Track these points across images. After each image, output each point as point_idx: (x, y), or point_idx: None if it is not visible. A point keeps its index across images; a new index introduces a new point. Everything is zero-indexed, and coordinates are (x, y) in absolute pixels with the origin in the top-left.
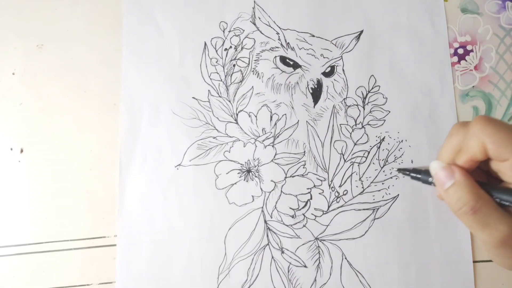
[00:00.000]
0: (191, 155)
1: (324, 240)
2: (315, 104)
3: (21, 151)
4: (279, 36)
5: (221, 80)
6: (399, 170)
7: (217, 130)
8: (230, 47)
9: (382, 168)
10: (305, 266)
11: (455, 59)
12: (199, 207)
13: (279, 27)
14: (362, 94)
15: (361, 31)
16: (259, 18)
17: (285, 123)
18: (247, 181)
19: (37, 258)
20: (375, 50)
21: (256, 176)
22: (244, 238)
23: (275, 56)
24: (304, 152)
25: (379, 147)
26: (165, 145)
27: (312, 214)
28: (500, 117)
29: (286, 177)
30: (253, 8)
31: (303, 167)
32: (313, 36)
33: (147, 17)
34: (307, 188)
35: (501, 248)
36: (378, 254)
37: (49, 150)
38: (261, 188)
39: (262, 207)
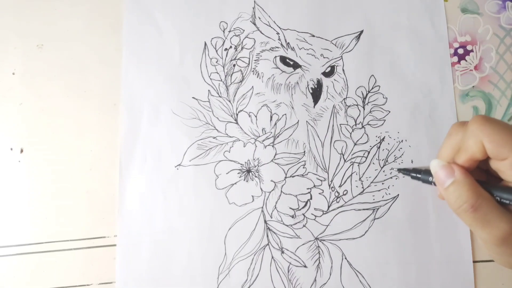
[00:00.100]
0: (191, 155)
1: (324, 240)
2: (315, 104)
3: (21, 151)
4: (279, 36)
5: (221, 80)
6: (399, 170)
7: (217, 130)
8: (230, 47)
9: (382, 168)
10: (305, 266)
11: (455, 59)
12: (199, 207)
13: (279, 27)
14: (362, 94)
15: (361, 31)
16: (259, 18)
17: (285, 123)
18: (247, 181)
19: (37, 258)
20: (375, 50)
21: (256, 176)
22: (244, 238)
23: (275, 56)
24: (304, 152)
25: (379, 147)
26: (165, 145)
27: (312, 214)
28: (500, 117)
29: (286, 177)
30: (253, 8)
31: (303, 167)
32: (313, 36)
33: (147, 17)
34: (307, 188)
35: (501, 246)
36: (378, 254)
37: (49, 150)
38: (261, 188)
39: (262, 207)
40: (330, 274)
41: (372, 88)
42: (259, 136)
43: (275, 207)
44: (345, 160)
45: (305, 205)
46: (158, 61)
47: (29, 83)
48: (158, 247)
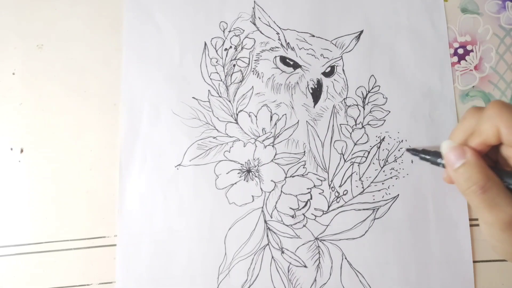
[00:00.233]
0: (191, 155)
1: (324, 240)
2: (315, 104)
3: (21, 151)
4: (279, 36)
5: (221, 80)
6: (408, 150)
7: (217, 130)
8: (230, 47)
9: (382, 168)
10: (305, 266)
11: (455, 59)
12: (199, 207)
13: (279, 27)
14: (362, 94)
15: (361, 31)
16: (259, 18)
17: (285, 123)
18: (247, 181)
19: (37, 258)
20: (375, 50)
21: (256, 176)
22: (244, 238)
23: (275, 56)
24: (304, 152)
25: (379, 147)
26: (165, 145)
27: (312, 214)
28: None
29: (286, 177)
30: (253, 8)
31: (303, 167)
32: (313, 36)
33: (147, 17)
34: (307, 188)
35: (505, 232)
36: (378, 254)
37: (49, 150)
38: (261, 188)
39: (262, 207)
40: (330, 274)
41: (372, 88)
42: (259, 136)
43: (275, 207)
44: (345, 160)
45: (305, 205)
46: (158, 61)
47: (29, 83)
48: (158, 247)
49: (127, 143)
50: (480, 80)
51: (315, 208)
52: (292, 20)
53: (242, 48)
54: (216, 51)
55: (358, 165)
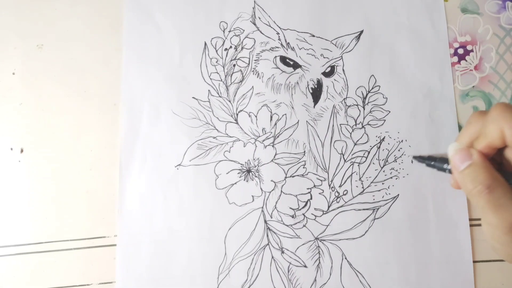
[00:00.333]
0: (191, 155)
1: (324, 240)
2: (315, 104)
3: (21, 151)
4: (279, 36)
5: (221, 80)
6: (415, 157)
7: (217, 130)
8: (230, 47)
9: (382, 168)
10: (305, 266)
11: (455, 59)
12: (199, 207)
13: (279, 27)
14: (362, 94)
15: (361, 31)
16: (259, 18)
17: (285, 123)
18: (247, 181)
19: (37, 258)
20: (375, 50)
21: (256, 176)
22: (244, 238)
23: (275, 56)
24: (304, 152)
25: (379, 147)
26: (165, 145)
27: (312, 214)
28: None
29: (286, 177)
30: (253, 8)
31: (303, 167)
32: (313, 36)
33: (147, 17)
34: (307, 188)
35: (509, 234)
36: (378, 254)
37: (49, 150)
38: (261, 188)
39: (262, 207)
40: (330, 274)
41: (372, 88)
42: (259, 136)
43: (275, 207)
44: (345, 160)
45: (305, 205)
46: (158, 61)
47: (29, 83)
48: (158, 247)
49: (127, 143)
50: (480, 80)
51: (315, 208)
52: (292, 20)
53: (242, 48)
54: (216, 51)
55: (358, 165)
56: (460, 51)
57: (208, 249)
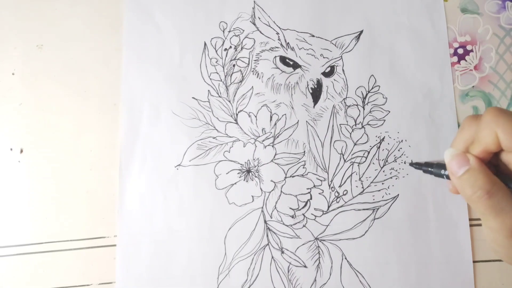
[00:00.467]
0: (191, 155)
1: (324, 240)
2: (315, 104)
3: (21, 151)
4: (279, 36)
5: (221, 80)
6: (411, 164)
7: (217, 130)
8: (230, 47)
9: (382, 168)
10: (305, 266)
11: (455, 59)
12: (199, 207)
13: (279, 27)
14: (362, 94)
15: (361, 31)
16: (259, 18)
17: (285, 123)
18: (247, 181)
19: (37, 258)
20: (375, 50)
21: (256, 176)
22: (244, 238)
23: (275, 56)
24: (304, 152)
25: (379, 147)
26: (165, 145)
27: (312, 214)
28: None
29: (286, 177)
30: (253, 8)
31: (303, 167)
32: (313, 36)
33: (147, 17)
34: (307, 188)
35: (510, 238)
36: (378, 254)
37: (49, 150)
38: (261, 188)
39: (262, 207)
40: (330, 274)
41: (372, 88)
42: (259, 136)
43: (275, 207)
44: (345, 160)
45: (305, 205)
46: (158, 61)
47: (29, 83)
48: (158, 247)
49: (127, 143)
50: (480, 80)
51: (315, 208)
52: (292, 20)
53: (242, 48)
54: (216, 51)
55: (358, 165)
56: (460, 51)
57: (208, 249)
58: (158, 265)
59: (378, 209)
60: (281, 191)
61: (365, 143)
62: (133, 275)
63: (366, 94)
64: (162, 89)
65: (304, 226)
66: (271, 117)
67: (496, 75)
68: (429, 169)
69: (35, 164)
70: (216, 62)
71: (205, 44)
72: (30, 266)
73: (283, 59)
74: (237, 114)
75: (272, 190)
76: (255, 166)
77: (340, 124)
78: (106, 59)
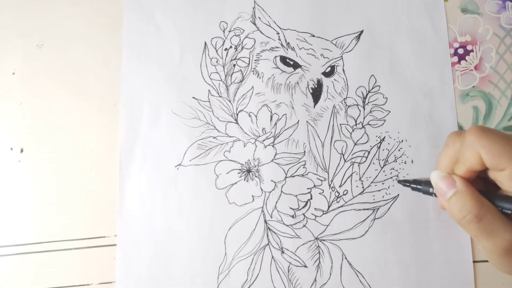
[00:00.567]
0: (191, 155)
1: (324, 240)
2: (315, 104)
3: (21, 151)
4: (279, 36)
5: (221, 80)
6: (399, 181)
7: (217, 130)
8: (230, 47)
9: (382, 168)
10: (305, 266)
11: (455, 59)
12: (199, 207)
13: (279, 27)
14: (362, 94)
15: (361, 31)
16: (259, 18)
17: (285, 123)
18: (247, 181)
19: (37, 258)
20: (375, 50)
21: (256, 176)
22: (244, 238)
23: (275, 56)
24: (304, 152)
25: (379, 147)
26: (165, 145)
27: (312, 214)
28: (500, 117)
29: (286, 177)
30: (253, 8)
31: (303, 167)
32: (313, 36)
33: (147, 17)
34: (307, 188)
35: (504, 256)
36: (378, 254)
37: (49, 150)
38: (261, 188)
39: (262, 207)
40: (330, 274)
41: (372, 88)
42: (259, 136)
43: (275, 207)
44: (345, 160)
45: (305, 205)
46: (158, 61)
47: (29, 83)
48: (158, 247)
49: (127, 143)
50: (480, 80)
51: (315, 208)
52: (292, 20)
53: (242, 48)
54: (216, 51)
55: (358, 165)
56: (460, 51)
57: (208, 249)
58: (158, 265)
59: (378, 209)
60: (281, 191)
61: (366, 143)
62: (133, 275)
63: (367, 94)
64: (162, 89)
65: (304, 226)
66: (271, 117)
67: (497, 75)
68: (417, 186)
69: (35, 164)
70: (216, 62)
71: (205, 44)
72: (30, 266)
73: (284, 59)
74: (237, 114)
75: (272, 190)
76: (255, 166)
77: (340, 124)
78: (106, 59)
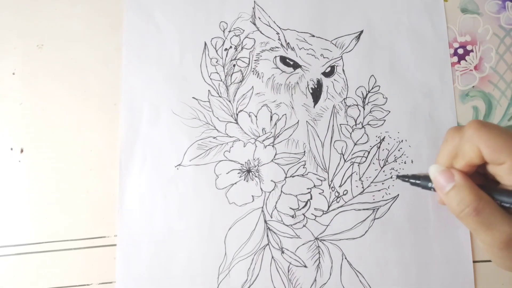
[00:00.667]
0: (191, 155)
1: (324, 240)
2: (315, 104)
3: (21, 151)
4: (279, 36)
5: (221, 80)
6: (398, 177)
7: (217, 130)
8: (230, 47)
9: (382, 168)
10: (305, 266)
11: (455, 59)
12: (199, 207)
13: (279, 27)
14: (362, 94)
15: (361, 31)
16: (259, 18)
17: (285, 123)
18: (247, 181)
19: (37, 258)
20: (375, 50)
21: (256, 176)
22: (244, 238)
23: (275, 56)
24: (304, 152)
25: (379, 147)
26: (165, 145)
27: (312, 214)
28: (500, 117)
29: (286, 177)
30: (253, 8)
31: (303, 167)
32: (313, 36)
33: (147, 17)
34: (307, 188)
35: (504, 250)
36: (378, 254)
37: (49, 150)
38: (261, 188)
39: (262, 207)
40: (330, 274)
41: (372, 88)
42: (259, 136)
43: (275, 207)
44: (345, 160)
45: (305, 205)
46: (158, 61)
47: (29, 83)
48: (158, 247)
49: (127, 143)
50: (480, 80)
51: (315, 208)
52: (292, 20)
53: (242, 48)
54: (216, 51)
55: (358, 165)
56: (460, 51)
57: (208, 249)
58: (158, 265)
59: (378, 209)
60: (281, 191)
61: (365, 143)
62: (133, 275)
63: (366, 94)
64: (162, 89)
65: (304, 226)
66: (271, 117)
67: (496, 75)
68: (416, 181)
69: (35, 164)
70: (216, 62)
71: (205, 44)
72: (29, 266)
73: (283, 59)
74: (237, 114)
75: (272, 190)
76: (255, 166)
77: (340, 124)
78: (106, 59)
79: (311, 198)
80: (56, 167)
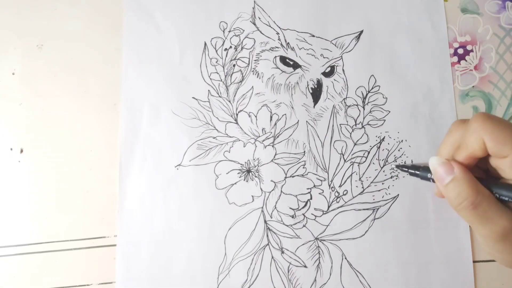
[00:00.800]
0: (191, 155)
1: (324, 240)
2: (315, 104)
3: (21, 151)
4: (279, 36)
5: (221, 80)
6: (397, 166)
7: (217, 130)
8: (230, 47)
9: (382, 168)
10: (305, 266)
11: (455, 59)
12: (199, 207)
13: (279, 27)
14: (362, 94)
15: (361, 31)
16: (259, 18)
17: (285, 123)
18: (247, 181)
19: (37, 258)
20: (375, 50)
21: (256, 176)
22: (244, 238)
23: (275, 56)
24: (304, 152)
25: (379, 147)
26: (165, 145)
27: (312, 214)
28: (500, 116)
29: (286, 177)
30: (253, 8)
31: (303, 167)
32: (313, 36)
33: (147, 17)
34: (307, 188)
35: (501, 243)
36: (378, 254)
37: (49, 150)
38: (261, 188)
39: (262, 207)
40: (330, 274)
41: (372, 88)
42: (259, 136)
43: (275, 207)
44: (345, 160)
45: (305, 205)
46: (158, 61)
47: (29, 83)
48: (158, 247)
49: (127, 143)
50: (480, 80)
51: (315, 208)
52: (292, 20)
53: (242, 48)
54: (216, 51)
55: (358, 165)
56: (460, 51)
57: (208, 249)
58: (158, 265)
59: (378, 209)
60: (281, 191)
61: (365, 143)
62: (133, 275)
63: (366, 94)
64: (162, 89)
65: (304, 226)
66: (271, 117)
67: (496, 75)
68: (415, 172)
69: (35, 164)
70: (216, 62)
71: (205, 44)
72: (29, 266)
73: (283, 59)
74: (237, 114)
75: (272, 190)
76: (255, 166)
77: (340, 124)
78: (106, 59)
79: (311, 198)
80: (56, 167)
